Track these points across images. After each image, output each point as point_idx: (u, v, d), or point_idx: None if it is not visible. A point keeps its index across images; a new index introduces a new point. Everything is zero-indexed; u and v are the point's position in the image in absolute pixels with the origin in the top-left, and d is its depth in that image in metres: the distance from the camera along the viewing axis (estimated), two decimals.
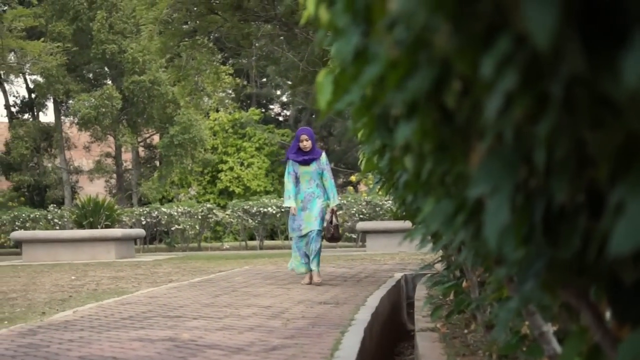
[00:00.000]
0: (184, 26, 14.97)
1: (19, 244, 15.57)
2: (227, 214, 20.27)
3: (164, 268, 11.18)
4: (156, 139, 26.99)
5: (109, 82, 25.59)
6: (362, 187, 24.63)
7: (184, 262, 12.94)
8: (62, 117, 26.11)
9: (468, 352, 3.37)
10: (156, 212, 19.91)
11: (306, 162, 7.53)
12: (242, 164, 27.99)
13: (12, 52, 23.96)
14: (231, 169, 27.84)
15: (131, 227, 18.95)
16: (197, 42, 14.72)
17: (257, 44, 17.95)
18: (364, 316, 4.82)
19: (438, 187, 1.18)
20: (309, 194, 7.51)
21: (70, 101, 25.13)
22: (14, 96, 29.75)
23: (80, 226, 15.33)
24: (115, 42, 23.16)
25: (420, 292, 6.15)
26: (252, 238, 21.45)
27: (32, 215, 19.69)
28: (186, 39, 14.73)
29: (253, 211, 19.44)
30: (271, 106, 34.94)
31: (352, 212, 18.32)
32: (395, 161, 1.66)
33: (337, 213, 8.08)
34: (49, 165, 26.47)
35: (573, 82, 0.66)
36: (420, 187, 1.40)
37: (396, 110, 1.02)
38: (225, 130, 28.41)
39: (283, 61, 18.28)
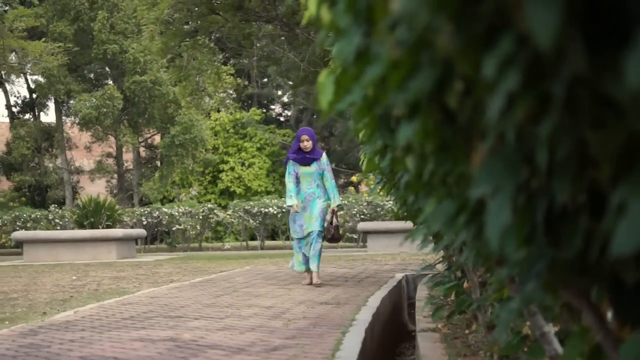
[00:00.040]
0: (185, 26, 14.98)
1: (20, 244, 15.57)
2: (228, 214, 20.26)
3: (165, 268, 11.18)
4: (157, 139, 27.01)
5: (110, 82, 25.61)
6: (363, 188, 24.64)
7: (185, 262, 12.94)
8: (63, 117, 26.12)
9: (469, 353, 3.37)
10: (157, 212, 19.92)
11: (307, 163, 7.52)
12: (243, 164, 27.99)
13: (14, 52, 23.96)
14: (232, 169, 27.85)
15: (132, 227, 18.95)
16: (198, 43, 14.74)
17: (258, 44, 17.94)
18: (365, 316, 4.82)
19: (440, 187, 1.18)
20: (309, 195, 7.50)
21: (72, 101, 25.12)
22: (15, 96, 29.68)
23: (82, 226, 15.34)
24: (116, 42, 23.17)
25: (422, 292, 6.15)
26: (253, 238, 21.45)
27: (33, 216, 19.69)
28: (187, 39, 14.74)
29: (254, 211, 19.44)
30: (272, 106, 34.96)
31: (353, 212, 18.31)
32: (396, 161, 1.66)
33: (338, 213, 8.06)
34: (50, 165, 26.47)
35: (575, 83, 0.66)
36: (422, 187, 1.40)
37: (398, 110, 1.02)
38: (227, 130, 28.42)
39: (284, 61, 18.30)
